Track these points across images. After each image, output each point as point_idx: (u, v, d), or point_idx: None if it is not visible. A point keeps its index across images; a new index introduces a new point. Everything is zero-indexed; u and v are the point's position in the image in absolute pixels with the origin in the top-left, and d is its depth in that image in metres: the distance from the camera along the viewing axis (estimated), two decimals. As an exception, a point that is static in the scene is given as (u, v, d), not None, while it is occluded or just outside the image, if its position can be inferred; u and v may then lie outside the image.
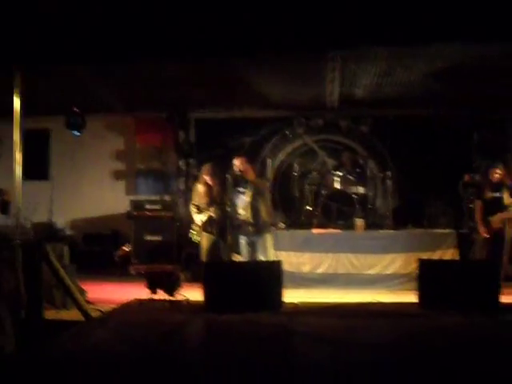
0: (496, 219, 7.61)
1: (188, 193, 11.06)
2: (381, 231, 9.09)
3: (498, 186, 7.69)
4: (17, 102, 6.22)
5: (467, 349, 4.62)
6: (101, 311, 6.44)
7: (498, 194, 7.68)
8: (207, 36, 6.17)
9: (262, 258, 7.22)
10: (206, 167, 7.48)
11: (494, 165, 7.79)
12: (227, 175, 7.30)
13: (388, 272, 8.56)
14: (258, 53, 6.83)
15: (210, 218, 7.24)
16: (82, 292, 6.85)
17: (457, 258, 8.34)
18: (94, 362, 3.99)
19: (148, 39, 6.42)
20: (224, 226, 7.20)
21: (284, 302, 6.43)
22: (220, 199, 7.28)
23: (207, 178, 7.37)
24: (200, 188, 7.42)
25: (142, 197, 10.77)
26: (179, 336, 5.15)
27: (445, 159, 8.05)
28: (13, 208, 5.70)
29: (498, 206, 7.64)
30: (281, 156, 11.31)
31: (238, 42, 6.26)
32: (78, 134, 10.99)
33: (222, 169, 7.56)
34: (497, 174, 7.67)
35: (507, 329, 5.56)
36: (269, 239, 7.34)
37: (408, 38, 6.08)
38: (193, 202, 7.46)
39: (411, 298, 6.75)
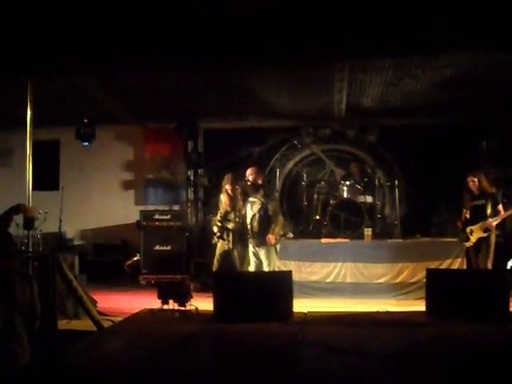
0: (479, 228, 7.57)
1: (197, 202, 11.16)
2: (389, 240, 9.12)
3: (480, 195, 7.65)
4: (29, 113, 6.28)
5: (476, 358, 4.63)
6: (112, 321, 6.49)
7: (479, 203, 7.64)
8: (216, 45, 6.23)
9: (265, 268, 7.26)
10: (228, 177, 7.53)
11: (470, 173, 7.75)
12: (236, 186, 7.35)
13: (396, 281, 8.56)
14: (265, 62, 6.89)
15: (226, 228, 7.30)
16: (94, 302, 6.90)
17: (465, 267, 8.34)
18: (107, 372, 4.04)
19: (157, 48, 6.50)
20: (243, 233, 7.27)
21: (294, 312, 6.46)
22: (240, 208, 7.34)
23: (228, 188, 7.41)
24: (223, 198, 7.49)
25: (151, 207, 10.81)
26: (190, 346, 5.19)
27: (453, 168, 8.05)
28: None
29: (480, 214, 7.59)
30: (289, 165, 11.35)
31: (245, 50, 6.32)
32: (88, 144, 11.11)
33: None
34: (472, 182, 7.65)
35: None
36: (272, 249, 7.37)
37: (416, 48, 6.12)
38: (218, 218, 7.53)
39: (419, 307, 6.77)
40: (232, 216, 7.34)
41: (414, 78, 8.65)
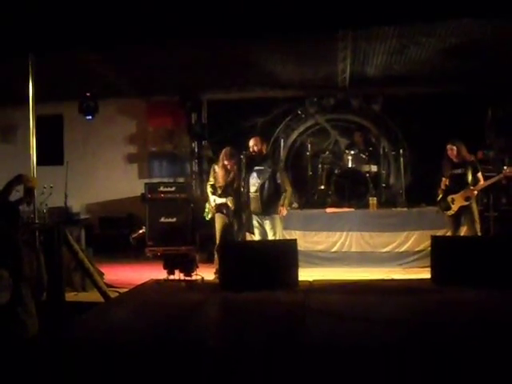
0: (460, 196, 7.51)
1: (202, 174, 11.16)
2: (394, 209, 9.11)
3: (460, 164, 7.58)
4: (31, 89, 6.25)
5: (482, 323, 4.65)
6: (118, 292, 6.54)
7: (459, 171, 7.57)
8: (217, 16, 6.16)
9: (271, 237, 7.26)
10: (225, 150, 7.42)
11: (450, 141, 7.65)
12: (241, 155, 7.32)
13: (401, 250, 8.59)
14: (268, 32, 6.82)
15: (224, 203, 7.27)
16: (100, 274, 6.95)
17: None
18: (113, 342, 4.08)
19: (157, 20, 6.43)
20: (239, 206, 7.23)
21: (299, 281, 6.49)
22: (236, 183, 7.28)
23: (226, 161, 7.34)
24: (218, 170, 7.41)
25: (155, 180, 10.82)
26: (197, 314, 5.23)
27: (458, 137, 8.01)
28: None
29: (460, 183, 7.53)
30: (293, 136, 11.34)
31: (248, 21, 6.25)
32: (91, 118, 11.09)
33: (236, 149, 7.55)
34: (450, 150, 7.57)
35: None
36: (278, 219, 7.36)
37: (420, 15, 6.03)
38: (209, 183, 7.50)
39: (425, 275, 6.79)
40: (230, 190, 7.28)
41: (419, 45, 8.58)
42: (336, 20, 6.20)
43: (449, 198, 7.62)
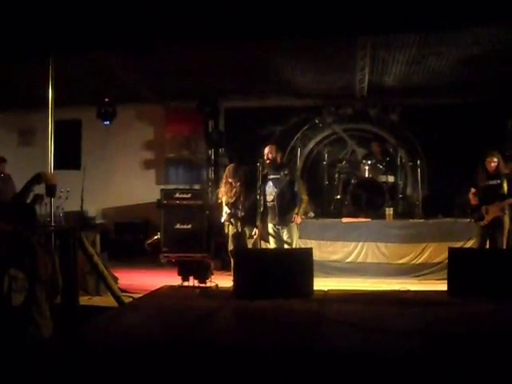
0: (495, 207, 7.43)
1: (218, 182, 11.13)
2: (411, 220, 9.02)
3: (495, 175, 7.51)
4: (50, 91, 6.28)
5: (499, 335, 4.58)
6: (132, 298, 6.53)
7: (494, 182, 7.51)
8: (236, 19, 6.16)
9: (287, 246, 7.22)
10: (230, 168, 7.47)
11: (490, 153, 7.59)
12: (257, 163, 7.29)
13: (418, 262, 8.49)
14: (288, 37, 6.81)
15: (230, 214, 7.25)
16: (115, 279, 6.95)
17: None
18: (126, 345, 4.07)
19: (176, 24, 6.45)
20: (252, 215, 7.20)
21: (314, 290, 6.43)
22: (243, 197, 7.25)
23: (230, 179, 7.34)
24: (223, 187, 7.43)
25: (171, 186, 10.84)
26: (210, 321, 5.21)
27: (476, 148, 7.94)
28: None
29: (494, 194, 7.46)
30: (310, 145, 11.30)
31: (268, 26, 6.24)
32: (108, 123, 11.15)
33: (251, 157, 7.53)
34: (492, 162, 7.51)
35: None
36: (295, 228, 7.33)
37: (441, 24, 5.98)
38: (218, 196, 7.52)
39: (441, 287, 6.71)
40: (238, 203, 7.26)
41: (439, 55, 8.51)
42: (356, 25, 6.17)
43: (483, 209, 7.55)
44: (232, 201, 7.23)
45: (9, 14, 6.59)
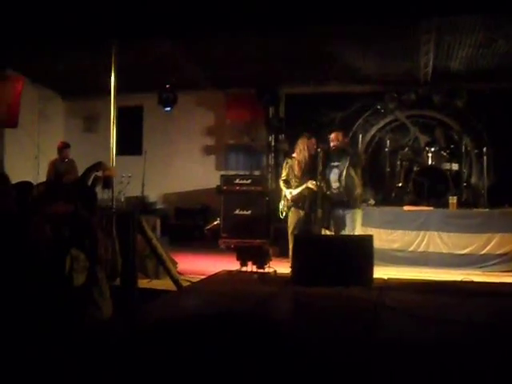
0: None
1: (278, 168, 11.11)
2: (475, 210, 8.76)
3: None
4: (113, 78, 6.36)
5: None
6: (191, 281, 6.59)
7: None
8: (300, 6, 6.10)
9: (349, 232, 7.11)
10: (301, 141, 7.32)
11: None
12: (319, 150, 7.19)
13: (482, 252, 8.23)
14: (350, 23, 6.70)
15: (303, 191, 7.11)
16: (174, 263, 7.02)
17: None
18: (182, 329, 4.09)
19: (239, 12, 6.44)
20: (315, 200, 7.10)
21: (373, 278, 6.32)
22: (312, 173, 7.14)
23: (301, 151, 7.20)
24: (293, 161, 7.27)
25: (231, 172, 10.90)
26: (268, 306, 5.19)
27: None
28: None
29: None
30: (372, 131, 11.14)
31: (330, 11, 6.15)
32: (170, 109, 11.28)
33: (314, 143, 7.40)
34: None
35: None
36: (359, 214, 7.20)
37: (510, 4, 5.74)
38: (282, 178, 7.41)
39: (507, 279, 6.49)
40: (307, 177, 7.12)
41: (507, 38, 8.19)
42: (420, 8, 5.99)
43: None
44: (301, 176, 7.10)
45: (73, 4, 6.73)
